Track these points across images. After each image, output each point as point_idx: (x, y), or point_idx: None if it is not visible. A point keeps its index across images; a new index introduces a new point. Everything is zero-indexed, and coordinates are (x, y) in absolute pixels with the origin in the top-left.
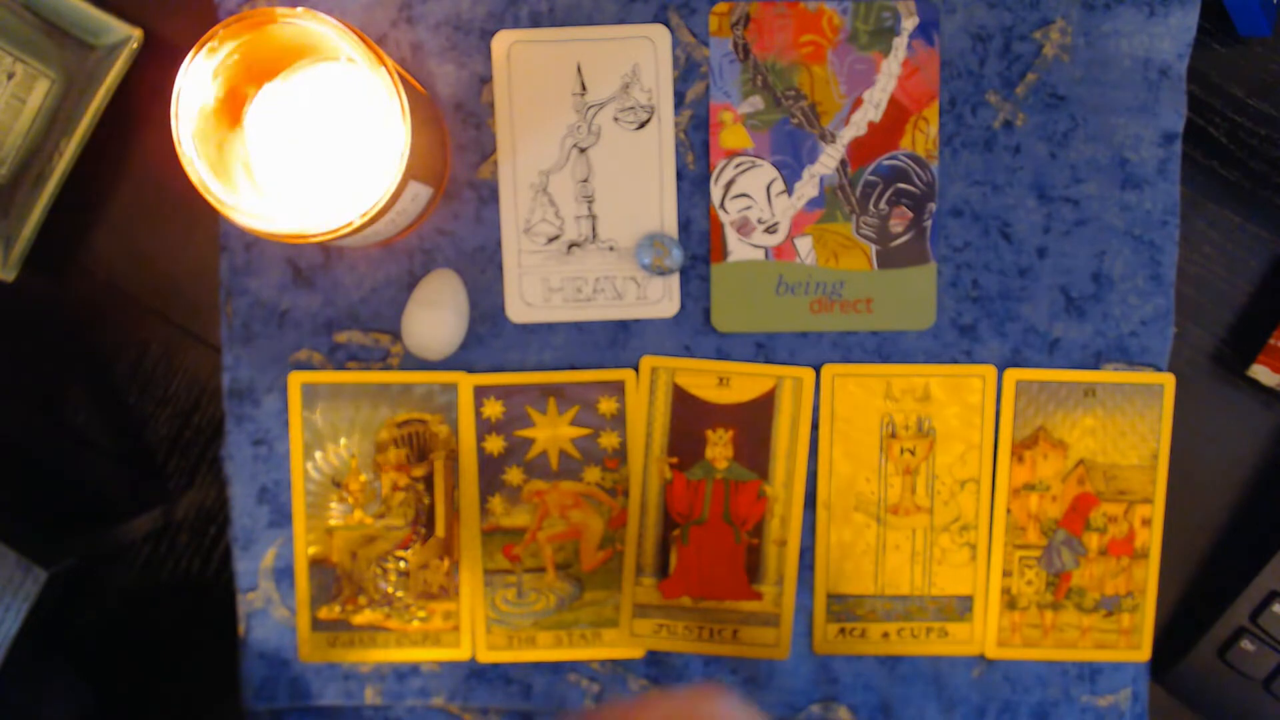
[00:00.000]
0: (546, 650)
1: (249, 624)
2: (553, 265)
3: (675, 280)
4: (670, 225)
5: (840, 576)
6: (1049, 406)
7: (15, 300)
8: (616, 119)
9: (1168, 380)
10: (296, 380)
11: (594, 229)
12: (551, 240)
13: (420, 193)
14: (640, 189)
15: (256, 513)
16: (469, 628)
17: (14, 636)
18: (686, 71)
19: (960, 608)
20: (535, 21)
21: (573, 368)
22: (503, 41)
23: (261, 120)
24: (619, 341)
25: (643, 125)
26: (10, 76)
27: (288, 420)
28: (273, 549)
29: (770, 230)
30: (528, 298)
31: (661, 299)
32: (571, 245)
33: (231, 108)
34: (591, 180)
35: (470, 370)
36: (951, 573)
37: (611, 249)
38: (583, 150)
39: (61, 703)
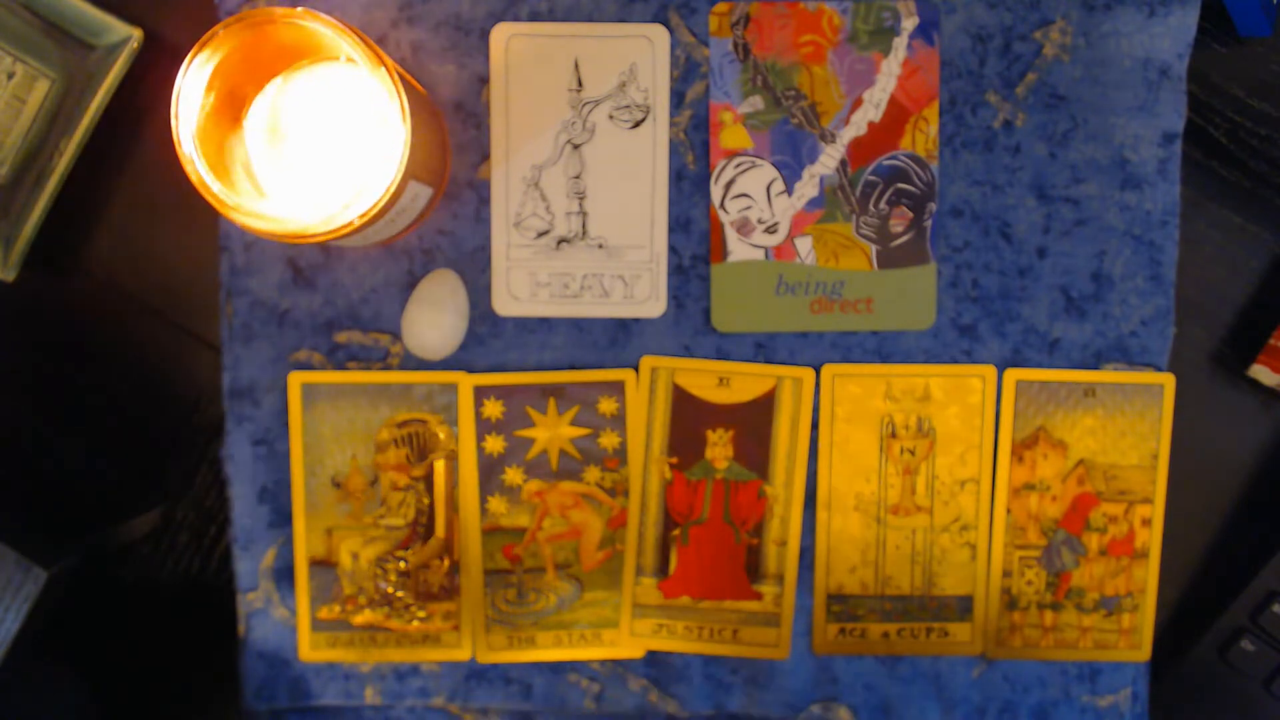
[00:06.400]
0: (546, 650)
1: (249, 624)
2: (541, 260)
3: (662, 280)
4: (660, 225)
5: (840, 577)
6: (1049, 406)
7: (15, 300)
8: (611, 117)
9: (1168, 380)
10: (296, 380)
11: (584, 226)
12: (541, 235)
13: (420, 193)
14: (632, 188)
15: (256, 513)
16: (469, 628)
17: (14, 636)
18: (686, 71)
19: (960, 608)
20: (535, 20)
21: (573, 368)
22: (501, 34)
23: (261, 120)
24: (619, 341)
25: (638, 125)
26: (10, 76)
27: (288, 420)
28: (273, 549)
29: (770, 230)
30: (515, 291)
31: (649, 298)
32: (561, 241)
33: (231, 108)
34: (584, 177)
35: (470, 370)
36: (951, 573)
37: (600, 246)
38: (576, 146)
39: (62, 703)
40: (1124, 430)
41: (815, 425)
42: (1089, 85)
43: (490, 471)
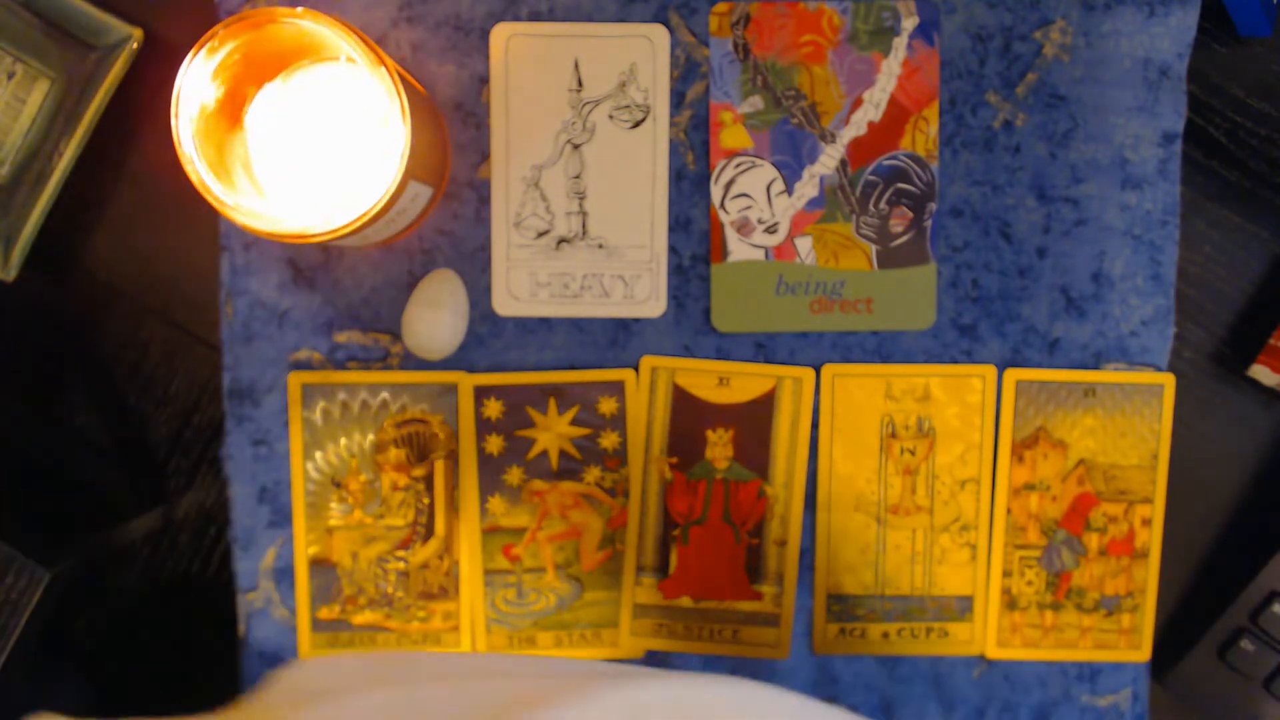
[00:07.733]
0: (546, 650)
1: (249, 624)
2: (541, 260)
3: (662, 280)
4: (660, 225)
5: (840, 577)
6: (1049, 406)
7: (15, 300)
8: (611, 117)
9: (1168, 380)
10: (296, 380)
11: (584, 226)
12: (541, 235)
13: (420, 193)
14: (632, 188)
15: (256, 513)
16: (469, 628)
17: (16, 637)
18: (686, 71)
19: (960, 608)
20: (535, 20)
21: (573, 368)
22: (501, 34)
23: (261, 120)
24: (619, 341)
25: (637, 125)
26: (10, 76)
27: (288, 420)
28: (273, 549)
29: (770, 230)
30: (515, 291)
31: (648, 298)
32: (561, 241)
33: (231, 108)
34: (584, 177)
35: (470, 370)
36: (951, 573)
37: (600, 246)
38: (576, 146)
39: (63, 703)
40: (1124, 430)
41: (815, 425)
42: (1089, 85)
43: (490, 471)
